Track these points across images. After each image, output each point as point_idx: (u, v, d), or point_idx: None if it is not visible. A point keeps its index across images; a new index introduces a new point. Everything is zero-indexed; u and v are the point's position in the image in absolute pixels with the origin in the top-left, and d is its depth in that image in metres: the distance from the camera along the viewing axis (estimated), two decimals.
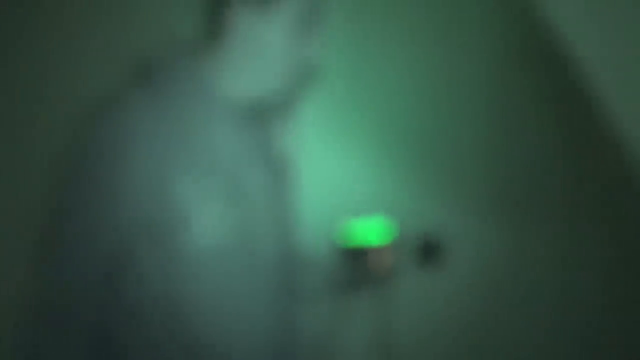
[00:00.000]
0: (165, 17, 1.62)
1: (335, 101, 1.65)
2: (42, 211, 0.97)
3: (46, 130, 1.56)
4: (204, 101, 1.00)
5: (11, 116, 1.59)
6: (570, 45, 1.05)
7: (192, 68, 1.01)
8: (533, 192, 1.76)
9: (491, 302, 1.74)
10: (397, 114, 1.69)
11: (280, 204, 1.13)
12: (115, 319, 0.97)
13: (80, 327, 0.94)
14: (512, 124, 1.75)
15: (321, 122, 1.65)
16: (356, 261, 1.18)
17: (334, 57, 1.62)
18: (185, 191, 0.94)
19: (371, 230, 1.17)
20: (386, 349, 1.21)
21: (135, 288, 0.95)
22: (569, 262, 1.77)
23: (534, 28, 1.68)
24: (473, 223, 1.73)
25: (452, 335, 1.71)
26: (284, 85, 1.02)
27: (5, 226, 1.56)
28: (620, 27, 1.02)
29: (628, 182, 1.62)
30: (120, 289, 0.95)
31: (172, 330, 0.95)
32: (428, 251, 1.67)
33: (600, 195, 1.75)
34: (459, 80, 1.71)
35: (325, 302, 1.21)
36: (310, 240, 1.59)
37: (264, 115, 1.12)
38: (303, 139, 1.64)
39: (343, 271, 1.19)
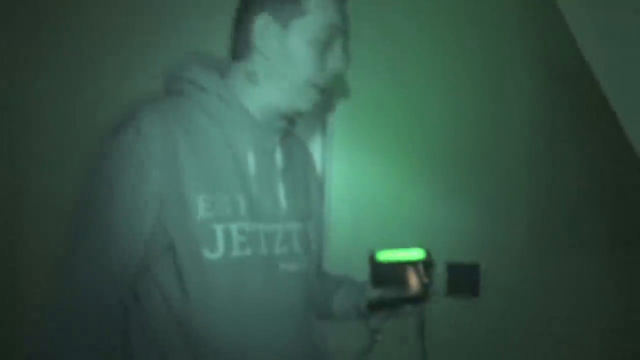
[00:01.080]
0: (195, 32, 1.64)
1: (367, 119, 1.63)
2: (70, 218, 0.95)
3: (77, 135, 1.58)
4: (229, 116, 1.00)
5: (47, 118, 1.62)
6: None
7: (219, 83, 1.01)
8: (572, 221, 1.70)
9: (525, 333, 1.68)
10: (432, 134, 1.65)
11: (307, 220, 1.12)
12: (133, 328, 0.96)
13: (99, 334, 0.92)
14: (554, 150, 1.70)
15: (352, 139, 1.62)
16: (388, 278, 1.14)
17: (366, 70, 1.60)
18: (208, 207, 0.93)
19: (404, 250, 1.13)
20: None
21: (153, 299, 0.94)
22: (606, 292, 1.71)
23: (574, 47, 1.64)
24: (511, 251, 1.68)
25: None
26: (310, 99, 1.02)
27: (35, 228, 1.58)
28: None
29: None
30: (138, 299, 0.95)
31: (187, 342, 0.93)
32: (462, 277, 1.63)
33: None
34: (499, 99, 1.67)
35: (355, 319, 1.17)
36: (340, 257, 1.57)
37: (291, 130, 1.11)
38: (333, 155, 1.61)
39: (374, 289, 1.14)
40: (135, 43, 1.64)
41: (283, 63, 0.99)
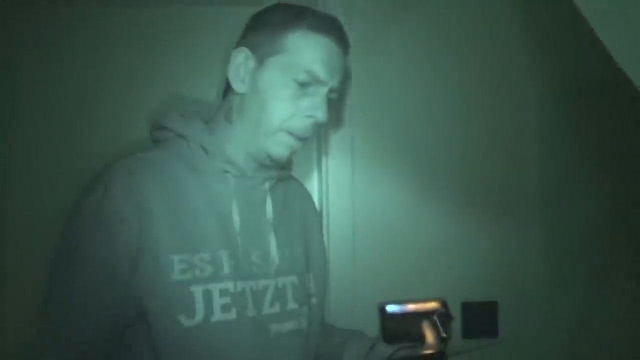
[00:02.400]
0: (183, 81, 1.60)
1: (366, 156, 1.54)
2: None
3: (61, 182, 1.51)
4: (211, 166, 0.93)
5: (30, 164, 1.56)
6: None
7: (200, 130, 0.94)
8: (589, 252, 1.61)
9: None
10: (440, 170, 1.57)
11: (305, 271, 1.03)
12: None
13: None
14: (569, 180, 1.62)
15: (351, 177, 1.53)
16: (401, 332, 1.02)
17: (364, 102, 1.53)
18: (185, 267, 0.85)
19: (418, 302, 1.02)
20: None
21: None
22: (631, 324, 1.60)
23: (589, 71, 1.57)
24: (527, 286, 1.58)
25: None
26: (283, 144, 0.93)
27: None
28: None
29: None
30: None
31: None
32: (479, 317, 1.52)
33: None
34: (508, 133, 1.60)
35: None
36: (341, 306, 1.46)
37: (284, 175, 1.04)
38: (329, 195, 1.52)
39: (387, 345, 1.03)
40: (127, 85, 1.59)
41: (254, 100, 0.92)
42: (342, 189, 1.49)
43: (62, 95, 1.57)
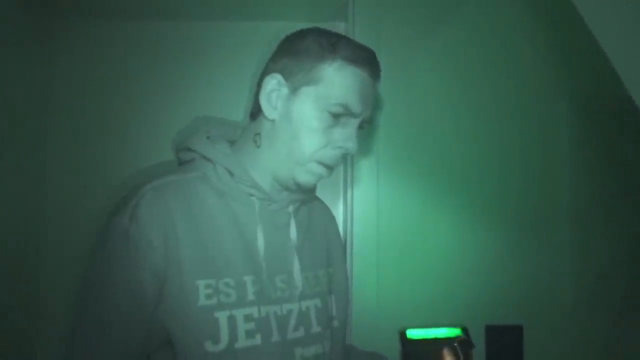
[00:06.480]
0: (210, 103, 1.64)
1: (393, 180, 1.53)
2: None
3: (92, 200, 1.58)
4: (236, 190, 0.93)
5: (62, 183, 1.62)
6: None
7: (226, 153, 0.95)
8: (623, 275, 1.55)
9: None
10: (470, 189, 1.55)
11: (328, 294, 1.03)
12: None
13: None
14: (600, 201, 1.57)
15: (376, 199, 1.52)
16: (421, 358, 1.02)
17: (390, 126, 1.52)
18: (210, 293, 0.85)
19: (439, 329, 1.02)
20: None
21: None
22: None
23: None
24: (556, 311, 1.54)
25: None
26: (312, 173, 0.93)
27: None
28: None
29: None
30: None
31: None
32: (503, 341, 1.50)
33: None
34: (539, 152, 1.57)
35: None
36: (364, 329, 1.45)
37: (307, 198, 1.04)
38: (354, 216, 1.51)
39: None
40: (152, 107, 1.65)
41: (286, 128, 0.91)
42: (367, 214, 1.49)
43: (92, 111, 1.63)
